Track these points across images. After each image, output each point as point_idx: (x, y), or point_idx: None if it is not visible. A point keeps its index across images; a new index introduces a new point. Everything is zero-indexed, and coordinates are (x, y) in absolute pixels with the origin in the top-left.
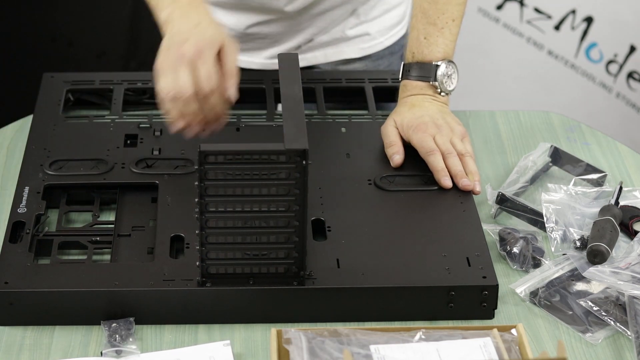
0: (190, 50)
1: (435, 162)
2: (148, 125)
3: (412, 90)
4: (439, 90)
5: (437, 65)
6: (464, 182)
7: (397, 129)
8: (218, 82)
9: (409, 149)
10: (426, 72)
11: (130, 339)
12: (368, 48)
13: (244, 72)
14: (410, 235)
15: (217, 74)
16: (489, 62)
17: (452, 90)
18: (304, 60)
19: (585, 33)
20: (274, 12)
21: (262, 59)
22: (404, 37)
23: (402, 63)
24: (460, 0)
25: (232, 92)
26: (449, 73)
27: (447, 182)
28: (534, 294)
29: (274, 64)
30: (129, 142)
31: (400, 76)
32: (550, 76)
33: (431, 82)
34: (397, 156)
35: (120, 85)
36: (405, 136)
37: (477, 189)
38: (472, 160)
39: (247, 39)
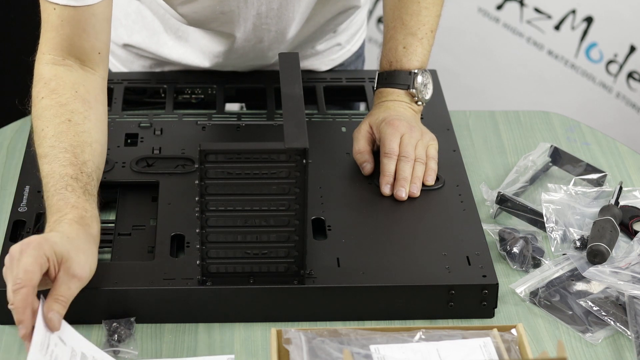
0: (16, 247)
1: (386, 166)
2: (148, 125)
3: (388, 97)
4: (416, 98)
5: (416, 73)
6: (398, 192)
7: (370, 132)
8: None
9: None
10: (405, 79)
11: (130, 339)
12: (338, 58)
13: (243, 74)
14: (410, 234)
15: (35, 274)
16: (489, 62)
17: (428, 100)
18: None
19: (585, 33)
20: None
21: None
22: (365, 39)
23: (377, 72)
24: (438, 13)
25: (53, 319)
26: (425, 82)
27: (385, 190)
28: (534, 294)
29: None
30: (129, 141)
31: (375, 85)
32: (550, 76)
33: (410, 90)
34: (367, 165)
35: (120, 85)
36: (377, 133)
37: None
38: (421, 166)
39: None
